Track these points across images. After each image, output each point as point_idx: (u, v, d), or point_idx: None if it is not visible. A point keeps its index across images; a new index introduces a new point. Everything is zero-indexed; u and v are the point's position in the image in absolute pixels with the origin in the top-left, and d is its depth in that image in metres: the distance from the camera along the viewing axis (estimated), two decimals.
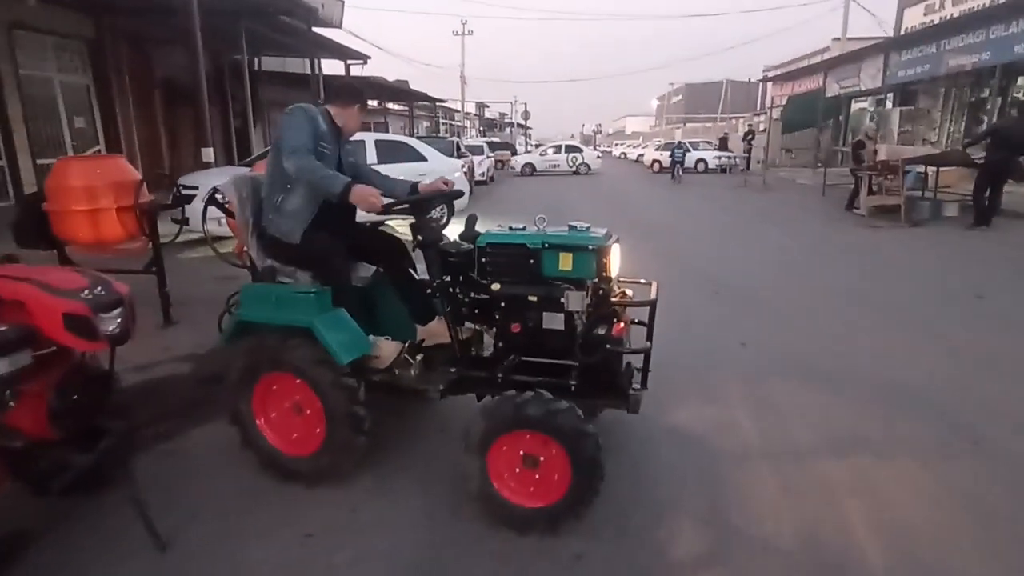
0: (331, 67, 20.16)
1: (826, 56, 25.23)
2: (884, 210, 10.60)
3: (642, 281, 2.75)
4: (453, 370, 2.65)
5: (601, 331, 2.40)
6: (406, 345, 2.72)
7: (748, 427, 3.22)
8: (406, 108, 29.75)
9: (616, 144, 61.99)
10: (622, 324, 2.46)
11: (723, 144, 30.13)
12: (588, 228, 2.50)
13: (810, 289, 6.16)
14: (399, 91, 24.79)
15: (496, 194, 18.23)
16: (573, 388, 2.39)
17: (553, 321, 2.43)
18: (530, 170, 27.52)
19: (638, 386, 2.51)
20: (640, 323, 2.65)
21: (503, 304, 2.51)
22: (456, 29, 41.30)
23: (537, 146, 50.67)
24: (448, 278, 2.64)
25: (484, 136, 41.65)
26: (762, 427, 3.21)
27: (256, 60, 17.95)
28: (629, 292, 2.62)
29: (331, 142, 2.75)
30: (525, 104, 60.88)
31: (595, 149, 39.54)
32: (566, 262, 2.41)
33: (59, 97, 11.45)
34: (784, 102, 26.11)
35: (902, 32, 20.24)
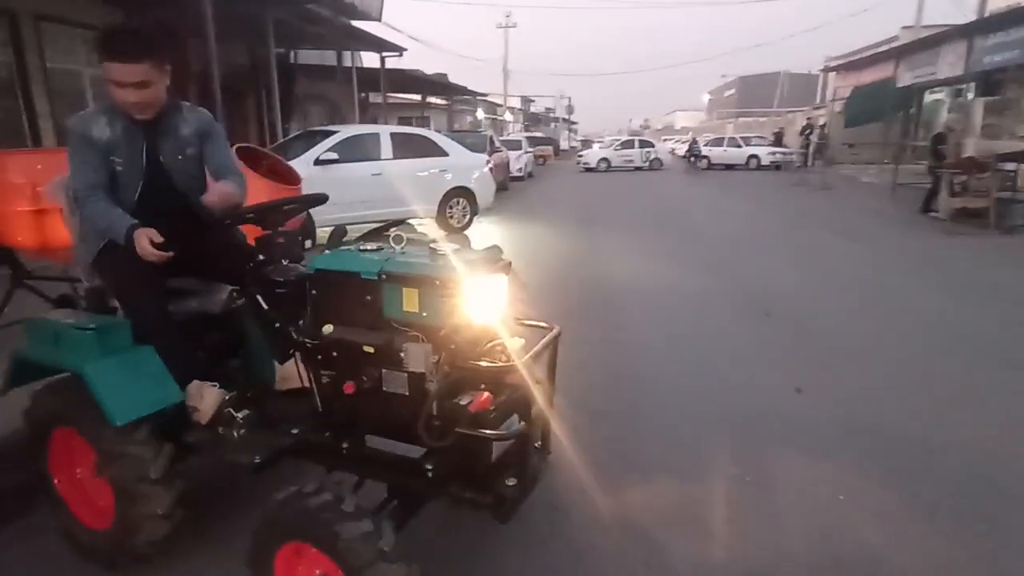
0: (369, 60, 19.85)
1: (894, 45, 23.31)
2: (968, 214, 9.33)
3: (542, 324, 2.05)
4: (296, 431, 2.02)
5: (462, 401, 1.72)
6: (230, 396, 2.09)
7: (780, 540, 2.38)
8: (447, 103, 29.29)
9: (664, 139, 60.13)
10: (486, 394, 1.73)
11: (778, 139, 28.43)
12: (458, 249, 1.85)
13: (882, 315, 5.18)
14: (438, 85, 24.26)
15: (530, 191, 17.48)
16: (430, 474, 1.77)
17: (395, 383, 1.79)
18: (605, 165, 26.97)
19: (512, 481, 1.81)
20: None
21: (334, 354, 1.87)
22: (499, 21, 40.59)
23: (584, 141, 49.55)
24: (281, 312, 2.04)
25: (528, 131, 40.90)
26: (808, 540, 2.32)
27: (293, 53, 17.77)
28: (514, 343, 1.84)
29: (129, 149, 2.11)
30: (569, 98, 59.72)
31: None
32: (410, 300, 1.75)
33: (88, 91, 11.33)
34: (847, 94, 24.34)
35: (986, 15, 18.37)
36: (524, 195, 16.14)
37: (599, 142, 29.73)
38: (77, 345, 1.96)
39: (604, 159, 27.48)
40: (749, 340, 4.53)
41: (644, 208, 13.43)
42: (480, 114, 34.60)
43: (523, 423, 1.82)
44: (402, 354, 1.73)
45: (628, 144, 28.69)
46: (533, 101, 57.15)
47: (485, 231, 10.13)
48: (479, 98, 31.91)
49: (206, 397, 2.04)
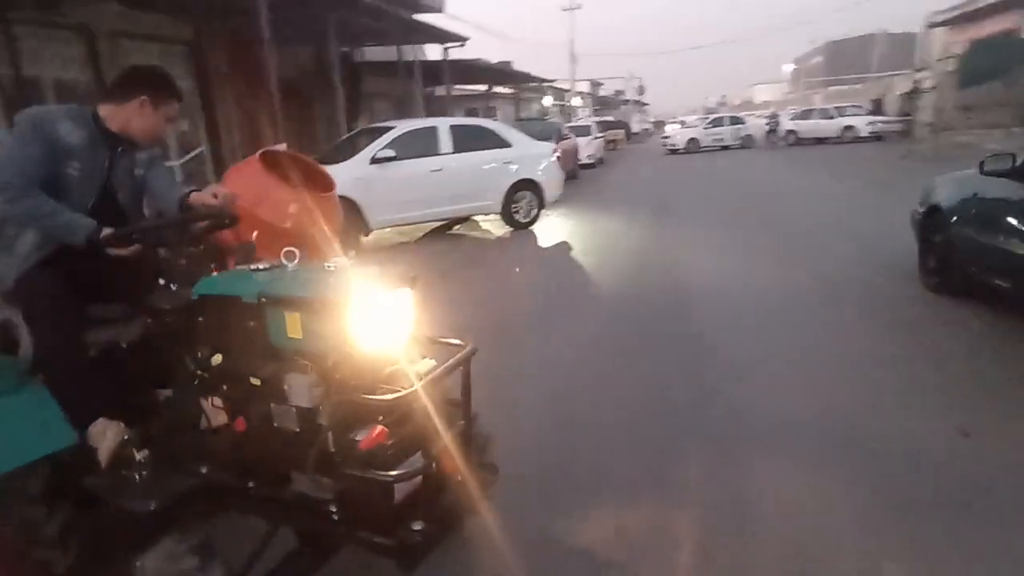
0: (433, 53, 19.59)
1: None
2: None
3: (454, 342, 1.85)
4: (205, 470, 1.84)
5: (357, 437, 1.57)
6: (129, 434, 1.91)
7: None
8: (513, 91, 28.73)
9: (744, 116, 56.86)
10: (379, 428, 1.59)
11: (878, 107, 25.87)
12: (355, 265, 1.73)
13: None
14: (502, 73, 23.74)
15: (600, 179, 16.64)
16: (335, 517, 1.65)
17: (284, 418, 1.66)
18: (695, 146, 25.73)
19: (418, 526, 1.61)
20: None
21: (224, 387, 1.79)
22: (564, 4, 39.44)
23: (657, 122, 47.45)
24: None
25: (597, 115, 39.65)
26: None
27: (359, 52, 17.78)
28: (423, 366, 1.69)
29: (90, 158, 2.10)
30: (640, 79, 57.54)
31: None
32: (293, 325, 1.63)
33: None
34: (959, 52, 21.62)
35: None
36: (594, 184, 15.35)
37: (675, 122, 28.23)
38: None
39: (692, 139, 26.06)
40: (881, 359, 3.68)
41: (728, 194, 12.32)
42: (547, 101, 33.81)
43: (427, 459, 1.63)
44: (286, 387, 1.61)
45: (718, 122, 27.31)
46: (602, 84, 55.51)
47: (552, 226, 9.52)
48: (546, 84, 31.13)
49: (107, 435, 1.89)
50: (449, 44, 17.13)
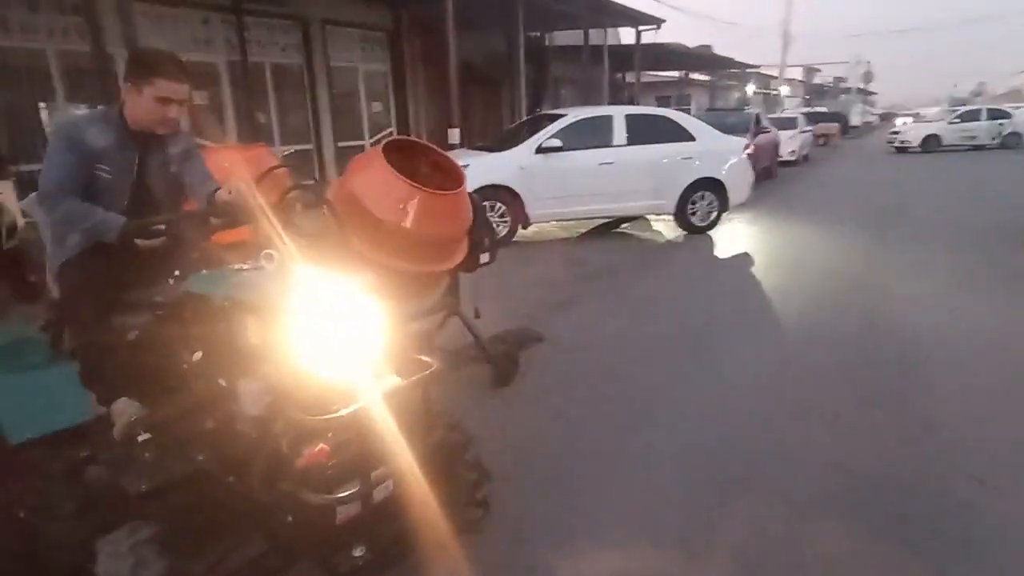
0: (626, 37, 18.66)
1: None
2: None
3: (423, 359, 1.71)
4: (202, 457, 1.79)
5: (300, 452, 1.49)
6: (137, 416, 1.97)
7: None
8: (710, 78, 26.53)
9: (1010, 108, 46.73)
10: (321, 446, 1.49)
11: None
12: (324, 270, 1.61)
13: None
14: (700, 58, 21.90)
15: (803, 179, 14.45)
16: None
17: (241, 423, 1.63)
18: (934, 144, 20.89)
19: (359, 551, 1.56)
20: None
21: (202, 384, 1.80)
22: None
23: (885, 115, 40.99)
24: None
25: (809, 105, 35.22)
26: None
27: (549, 36, 17.52)
28: (387, 383, 1.59)
29: (120, 159, 2.19)
30: (868, 63, 49.87)
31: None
32: (252, 330, 1.60)
33: (360, 85, 12.42)
34: None
35: None
36: (794, 184, 13.37)
37: (907, 114, 23.71)
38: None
39: (932, 135, 21.01)
40: None
41: (975, 210, 9.83)
42: (750, 89, 30.77)
43: (366, 485, 1.54)
44: (240, 393, 1.63)
45: (971, 115, 21.54)
46: (819, 70, 49.28)
47: (734, 232, 8.29)
48: (749, 71, 28.27)
49: (126, 414, 2.00)
50: (643, 27, 16.09)
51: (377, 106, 12.99)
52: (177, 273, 1.96)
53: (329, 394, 1.51)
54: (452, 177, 3.28)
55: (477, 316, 3.77)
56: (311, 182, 4.19)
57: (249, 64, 10.08)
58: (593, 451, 2.94)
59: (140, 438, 1.90)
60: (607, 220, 8.61)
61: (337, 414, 1.47)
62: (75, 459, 2.01)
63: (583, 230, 8.58)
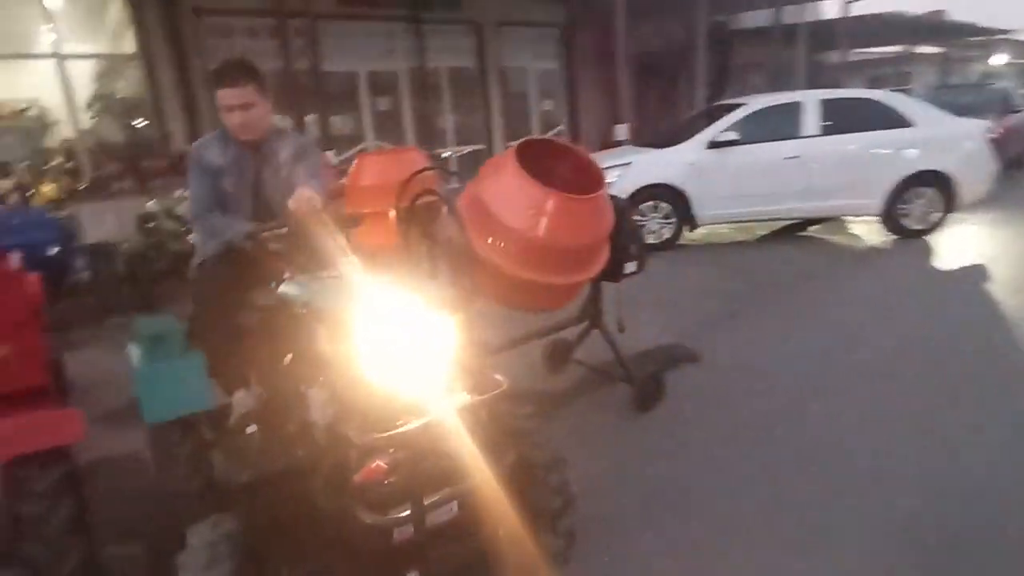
0: (828, 11, 16.44)
1: None
2: None
3: (497, 377, 1.66)
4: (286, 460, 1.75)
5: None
6: (248, 410, 2.08)
7: None
8: (942, 50, 22.33)
9: None
10: (377, 463, 1.48)
11: None
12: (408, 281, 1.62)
13: None
14: (927, 27, 18.46)
15: None
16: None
17: (311, 430, 1.70)
18: None
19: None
20: None
21: (289, 388, 1.86)
22: None
23: None
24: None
25: None
26: None
27: (734, 18, 16.06)
28: (456, 400, 1.57)
29: (238, 171, 2.35)
30: None
31: None
32: (326, 337, 1.64)
33: (531, 83, 12.47)
34: None
35: None
36: None
37: None
38: (149, 344, 2.13)
39: None
40: None
41: None
42: (998, 60, 25.37)
43: (418, 508, 1.49)
44: (311, 402, 1.67)
45: None
46: None
47: (964, 238, 6.73)
48: (998, 37, 23.26)
49: (245, 405, 2.14)
50: None
51: (548, 104, 12.97)
52: (286, 276, 1.99)
53: (393, 409, 1.50)
54: (592, 179, 2.95)
55: (621, 330, 3.39)
56: (457, 186, 4.13)
57: (427, 70, 10.62)
58: (736, 505, 2.43)
59: (248, 430, 2.06)
60: (792, 222, 7.55)
61: (393, 432, 1.45)
62: (200, 443, 2.20)
63: (763, 233, 7.61)
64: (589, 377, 3.62)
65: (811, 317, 4.57)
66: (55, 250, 4.32)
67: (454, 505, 1.55)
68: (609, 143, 8.98)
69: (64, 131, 7.74)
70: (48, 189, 6.70)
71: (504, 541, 1.62)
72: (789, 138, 6.62)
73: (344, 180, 4.38)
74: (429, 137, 10.96)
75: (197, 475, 2.13)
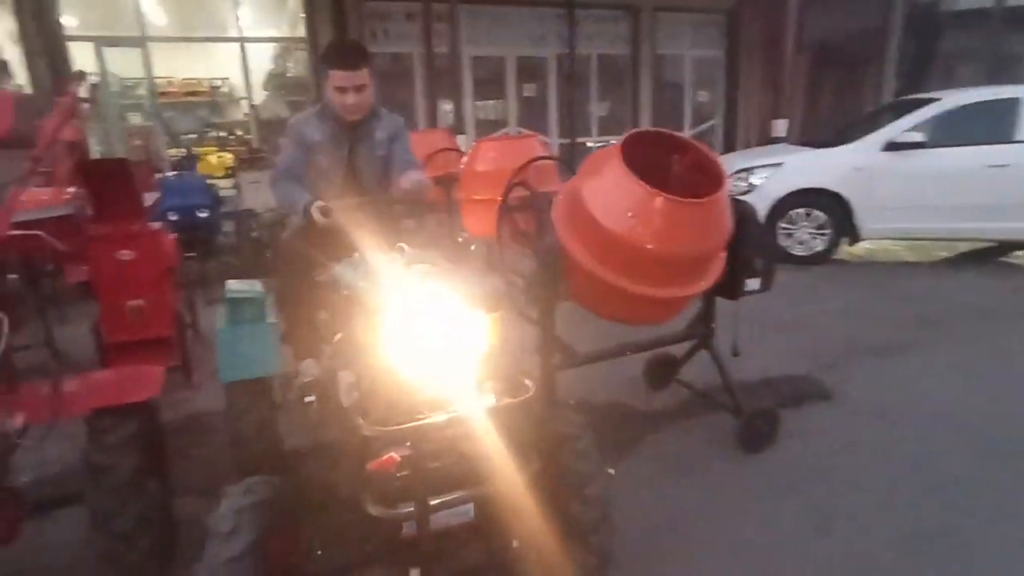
0: None
1: None
2: None
3: (527, 383, 1.61)
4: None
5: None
6: (309, 379, 2.19)
7: None
8: None
9: None
10: (391, 455, 1.42)
11: None
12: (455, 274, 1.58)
13: None
14: None
15: None
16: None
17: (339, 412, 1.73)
18: None
19: (415, 572, 1.51)
20: None
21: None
22: None
23: None
24: None
25: None
26: None
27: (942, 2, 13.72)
28: (482, 402, 1.52)
29: (333, 148, 2.42)
30: None
31: None
32: (360, 322, 1.64)
33: (687, 73, 11.68)
34: None
35: None
36: None
37: None
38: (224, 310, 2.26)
39: None
40: None
41: None
42: None
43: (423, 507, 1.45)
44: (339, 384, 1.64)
45: None
46: None
47: None
48: None
49: (311, 373, 2.24)
50: None
51: (703, 95, 12.08)
52: (356, 255, 2.02)
53: (414, 402, 1.46)
54: (711, 180, 2.54)
55: (735, 354, 2.96)
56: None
57: (576, 56, 10.35)
58: None
59: (307, 399, 2.14)
60: (988, 244, 6.26)
61: (406, 426, 1.41)
62: (269, 405, 2.30)
63: (946, 254, 6.40)
64: (692, 401, 3.22)
65: (988, 366, 3.67)
66: (205, 214, 4.78)
67: (470, 508, 1.51)
68: (765, 140, 8.09)
69: (242, 106, 8.64)
70: (215, 159, 7.53)
71: (526, 550, 1.57)
72: (999, 142, 5.43)
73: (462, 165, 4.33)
74: (573, 126, 10.72)
75: (262, 436, 2.24)
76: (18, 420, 1.75)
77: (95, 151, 8.00)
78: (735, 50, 11.83)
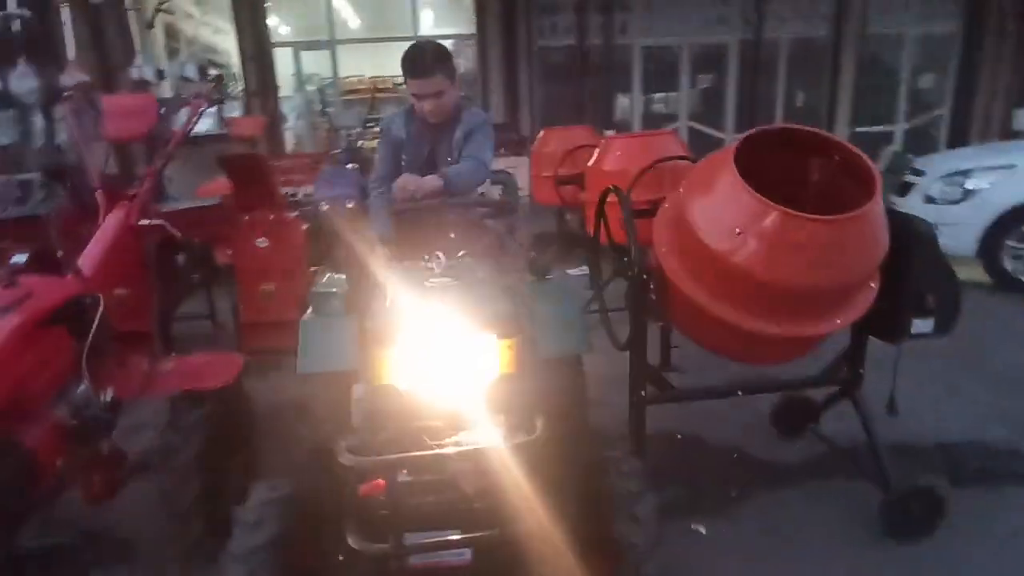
0: None
1: None
2: None
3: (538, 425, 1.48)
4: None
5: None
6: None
7: None
8: None
9: None
10: (379, 480, 1.41)
11: None
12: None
13: None
14: None
15: None
16: None
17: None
18: None
19: None
20: None
21: None
22: None
23: None
24: None
25: None
26: None
27: None
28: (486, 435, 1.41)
29: (415, 148, 2.42)
30: None
31: None
32: None
33: (904, 54, 9.88)
34: None
35: None
36: None
37: None
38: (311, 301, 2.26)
39: None
40: None
41: None
42: None
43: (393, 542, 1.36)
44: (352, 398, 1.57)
45: None
46: None
47: None
48: None
49: None
50: None
51: (926, 80, 10.13)
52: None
53: (412, 428, 1.39)
54: (862, 189, 1.97)
55: (891, 411, 2.33)
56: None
57: (762, 41, 9.28)
58: None
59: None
60: None
61: (390, 457, 1.34)
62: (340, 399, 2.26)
63: None
64: (830, 460, 2.62)
65: None
66: (351, 204, 5.08)
67: (467, 552, 1.43)
68: (1005, 134, 6.50)
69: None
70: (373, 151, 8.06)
71: None
72: None
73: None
74: (753, 120, 9.67)
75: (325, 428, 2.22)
76: (108, 394, 1.91)
77: (291, 145, 9.10)
78: (978, 23, 9.69)
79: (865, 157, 1.99)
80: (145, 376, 2.03)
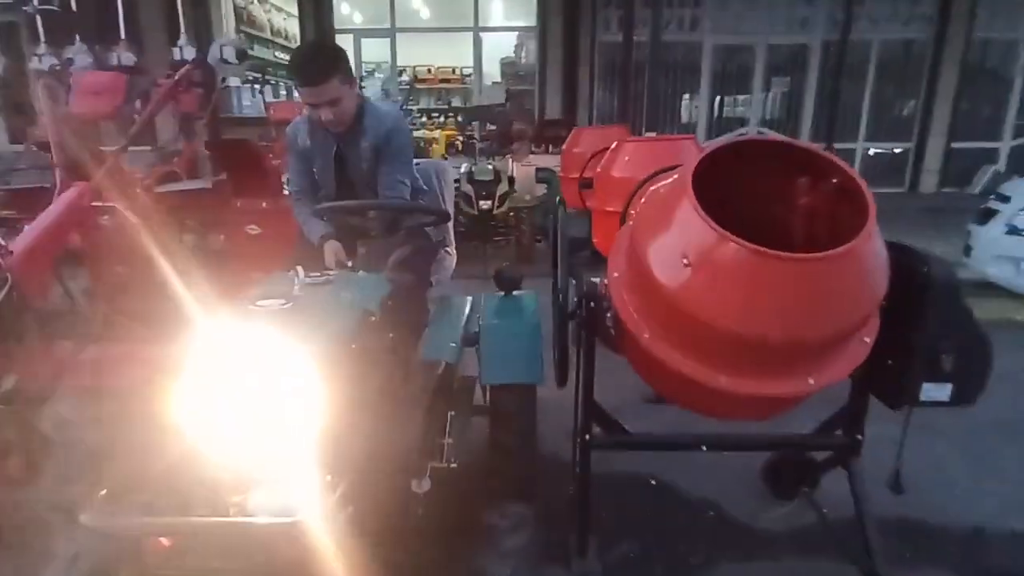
0: None
1: None
2: None
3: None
4: None
5: None
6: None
7: None
8: None
9: None
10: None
11: None
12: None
13: None
14: None
15: None
16: None
17: None
18: None
19: None
20: None
21: None
22: None
23: None
24: None
25: None
26: None
27: None
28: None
29: (323, 156, 2.25)
30: None
31: None
32: None
33: (1019, 62, 8.76)
34: None
35: None
36: None
37: None
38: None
39: None
40: None
41: None
42: None
43: None
44: None
45: None
46: None
47: None
48: None
49: None
50: None
51: None
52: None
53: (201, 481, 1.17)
54: (860, 218, 1.60)
55: (894, 488, 1.95)
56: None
57: (849, 43, 8.46)
58: None
59: None
60: None
61: (130, 520, 1.14)
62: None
63: None
64: (816, 534, 2.22)
65: None
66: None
67: None
68: None
69: (471, 93, 9.05)
70: (437, 144, 7.97)
71: None
72: None
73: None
74: (833, 127, 8.84)
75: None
76: (8, 382, 1.85)
77: None
78: None
79: (863, 184, 1.60)
80: (59, 364, 1.96)
